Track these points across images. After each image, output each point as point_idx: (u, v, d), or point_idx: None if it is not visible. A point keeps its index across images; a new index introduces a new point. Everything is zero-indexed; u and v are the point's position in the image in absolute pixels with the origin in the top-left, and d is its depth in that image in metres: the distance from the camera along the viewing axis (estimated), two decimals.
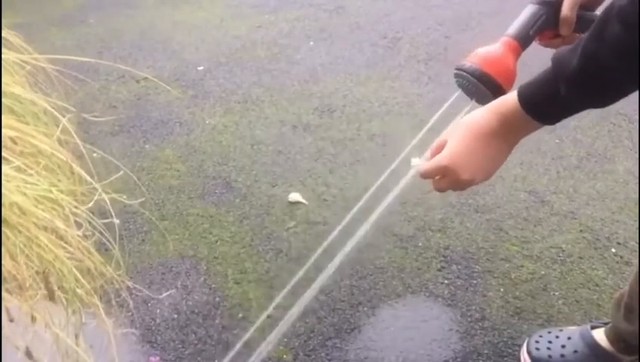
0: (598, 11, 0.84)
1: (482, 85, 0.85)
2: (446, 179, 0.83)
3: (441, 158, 0.81)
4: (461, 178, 0.80)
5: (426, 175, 0.86)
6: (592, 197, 1.73)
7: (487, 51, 0.87)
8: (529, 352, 1.24)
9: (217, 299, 1.47)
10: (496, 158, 0.82)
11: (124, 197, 0.95)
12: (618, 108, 2.13)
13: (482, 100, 0.89)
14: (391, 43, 2.77)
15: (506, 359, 1.28)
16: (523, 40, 0.87)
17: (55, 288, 0.72)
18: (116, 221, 0.82)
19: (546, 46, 0.92)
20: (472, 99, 0.91)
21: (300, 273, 1.52)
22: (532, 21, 0.86)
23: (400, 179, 0.97)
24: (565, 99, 0.71)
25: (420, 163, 0.90)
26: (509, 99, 0.77)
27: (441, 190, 0.86)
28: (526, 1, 0.89)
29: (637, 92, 0.69)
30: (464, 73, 0.87)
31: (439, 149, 0.83)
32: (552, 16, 0.86)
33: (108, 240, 0.90)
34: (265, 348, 1.34)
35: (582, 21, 0.85)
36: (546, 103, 0.73)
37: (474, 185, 0.83)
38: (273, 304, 1.45)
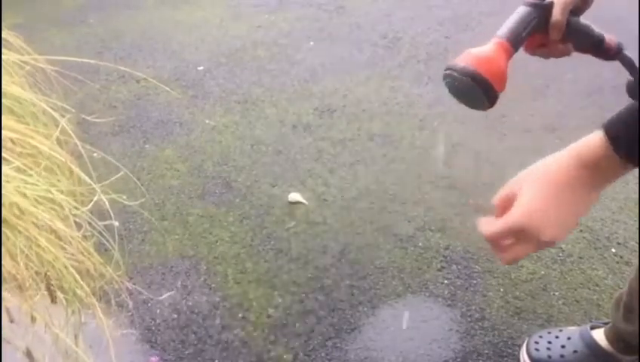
0: (583, 17, 0.85)
1: (474, 84, 0.82)
2: (522, 243, 0.68)
3: (516, 217, 0.66)
4: (541, 240, 0.66)
5: (494, 238, 0.69)
6: None
7: (479, 51, 0.84)
8: (529, 352, 1.24)
9: (217, 299, 1.47)
10: (581, 211, 0.68)
11: (124, 197, 0.95)
12: (618, 108, 2.13)
13: (471, 102, 0.86)
14: (391, 43, 2.77)
15: (506, 359, 1.28)
16: (515, 41, 0.85)
17: (56, 290, 0.72)
18: (116, 223, 0.82)
19: (532, 54, 0.90)
20: (460, 100, 0.87)
21: (301, 273, 1.52)
22: (524, 23, 0.84)
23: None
24: None
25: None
26: (592, 143, 0.66)
27: (516, 259, 0.70)
28: (522, 2, 0.88)
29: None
30: (455, 73, 0.83)
31: (506, 204, 0.69)
32: (543, 19, 0.85)
33: (108, 241, 0.90)
34: (265, 347, 1.34)
35: (570, 26, 0.85)
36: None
37: (552, 246, 0.70)
38: (273, 304, 1.45)
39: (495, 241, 0.70)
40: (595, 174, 0.66)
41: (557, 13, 0.83)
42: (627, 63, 0.90)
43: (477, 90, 0.82)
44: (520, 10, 0.85)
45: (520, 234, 0.67)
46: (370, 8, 3.19)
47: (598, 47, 0.87)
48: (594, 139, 0.66)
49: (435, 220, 1.68)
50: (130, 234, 1.68)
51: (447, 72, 0.85)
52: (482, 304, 1.41)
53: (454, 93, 0.87)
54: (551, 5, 0.84)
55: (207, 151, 2.06)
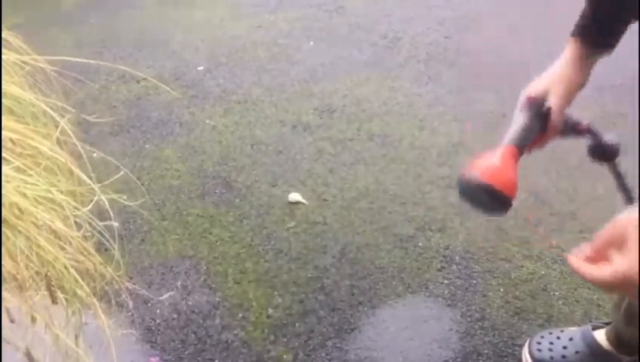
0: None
1: (490, 197, 0.85)
2: (629, 290, 0.62)
3: (630, 265, 0.60)
4: None
5: (607, 285, 0.63)
6: (592, 197, 1.73)
7: (491, 162, 0.89)
8: (531, 353, 1.24)
9: (217, 299, 1.47)
10: None
11: (124, 197, 0.95)
12: (618, 108, 2.13)
13: (484, 209, 0.90)
14: (391, 43, 2.77)
15: (506, 359, 1.28)
16: (522, 147, 0.93)
17: (56, 290, 0.72)
18: (115, 224, 0.82)
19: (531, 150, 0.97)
20: (472, 206, 0.91)
21: (301, 273, 1.52)
22: (530, 131, 0.93)
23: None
24: None
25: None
26: None
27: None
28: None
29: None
30: (465, 184, 0.87)
31: (609, 245, 0.63)
32: (543, 124, 0.93)
33: (108, 241, 0.90)
34: (265, 348, 1.34)
35: (564, 126, 0.96)
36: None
37: None
38: (273, 304, 1.45)
39: (607, 288, 0.64)
40: None
41: (556, 118, 0.92)
42: (592, 135, 1.02)
43: (492, 201, 0.86)
44: (524, 119, 0.93)
45: (628, 286, 0.61)
46: (370, 8, 3.19)
47: (577, 133, 1.00)
48: None
49: (435, 220, 1.68)
50: (130, 234, 1.68)
51: (459, 182, 0.88)
52: (482, 304, 1.41)
53: (468, 200, 0.90)
54: (549, 111, 0.92)
55: (207, 151, 2.06)
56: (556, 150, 1.96)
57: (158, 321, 1.42)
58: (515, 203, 0.86)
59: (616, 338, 1.14)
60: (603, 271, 0.62)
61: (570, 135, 0.99)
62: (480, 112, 2.15)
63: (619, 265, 0.61)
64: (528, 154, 0.95)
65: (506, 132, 0.95)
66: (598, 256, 0.64)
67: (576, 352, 1.19)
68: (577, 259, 0.66)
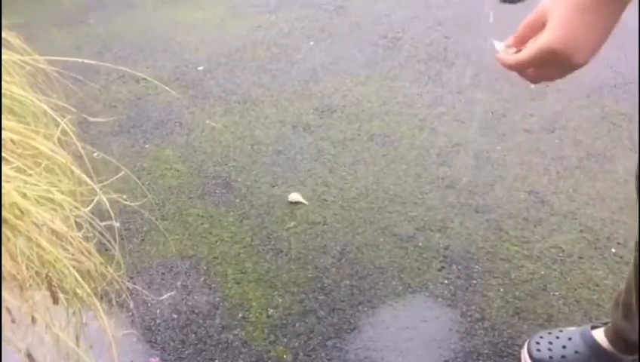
0: None
1: None
2: (551, 66, 0.68)
3: (548, 41, 0.66)
4: (574, 61, 0.66)
5: (521, 66, 0.70)
6: (592, 197, 1.73)
7: None
8: (530, 353, 1.24)
9: (217, 299, 1.47)
10: (610, 28, 0.67)
11: (124, 197, 0.95)
12: (618, 108, 2.13)
13: None
14: (391, 43, 2.77)
15: (506, 359, 1.28)
16: None
17: (57, 291, 0.72)
18: (116, 224, 0.82)
19: None
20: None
21: (301, 273, 1.52)
22: None
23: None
24: None
25: (504, 46, 0.74)
26: None
27: (543, 80, 0.72)
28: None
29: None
30: None
31: (533, 31, 0.69)
32: None
33: (108, 241, 0.90)
34: (265, 348, 1.34)
35: None
36: None
37: (582, 66, 0.69)
38: (273, 304, 1.45)
39: (524, 67, 0.70)
40: None
41: None
42: None
43: None
44: None
45: (552, 57, 0.66)
46: (370, 8, 3.19)
47: None
48: None
49: (435, 220, 1.68)
50: (131, 234, 1.68)
51: None
52: (482, 304, 1.41)
53: None
54: None
55: (207, 151, 2.06)
56: (556, 150, 1.97)
57: (158, 321, 1.42)
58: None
59: (616, 337, 1.14)
60: (524, 51, 0.69)
61: None
62: (480, 112, 2.15)
63: (541, 40, 0.67)
64: None
65: None
66: (523, 44, 0.70)
67: (576, 352, 1.19)
68: (503, 53, 0.72)
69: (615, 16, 0.66)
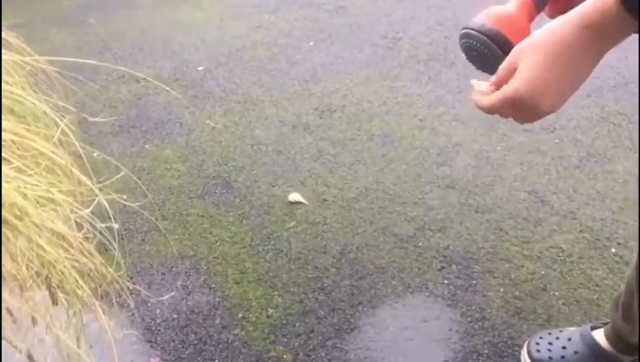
0: None
1: (495, 46, 0.74)
2: (520, 112, 0.69)
3: (515, 87, 0.66)
4: (541, 109, 0.67)
5: (493, 110, 0.71)
6: (592, 197, 1.73)
7: (503, 11, 0.76)
8: (530, 354, 1.24)
9: (217, 299, 1.47)
10: (582, 77, 0.67)
11: (124, 197, 0.95)
12: (618, 108, 2.13)
13: (489, 67, 0.78)
14: (391, 43, 2.77)
15: (506, 359, 1.28)
16: (538, 2, 0.78)
17: (57, 291, 0.72)
18: (115, 225, 0.82)
19: (552, 17, 0.85)
20: (476, 65, 0.80)
21: (301, 273, 1.52)
22: None
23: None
24: None
25: (482, 85, 0.74)
26: (597, 3, 0.63)
27: (517, 121, 0.72)
28: None
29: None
30: (475, 32, 0.75)
31: (508, 75, 0.68)
32: None
33: (108, 241, 0.90)
34: (265, 347, 1.34)
35: None
36: None
37: (551, 114, 0.69)
38: (273, 304, 1.45)
39: (494, 112, 0.70)
40: (598, 38, 0.64)
41: None
42: None
43: (498, 52, 0.74)
44: None
45: (520, 103, 0.66)
46: (370, 8, 3.19)
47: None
48: (598, 1, 0.63)
49: (435, 220, 1.68)
50: (131, 234, 1.68)
51: (464, 31, 0.77)
52: (482, 304, 1.41)
53: (471, 57, 0.79)
54: None
55: (207, 151, 2.06)
56: (556, 150, 1.97)
57: (158, 321, 1.42)
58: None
59: (615, 338, 1.14)
60: (493, 95, 0.69)
61: None
62: (480, 112, 2.14)
63: (508, 85, 0.67)
64: (553, 17, 0.80)
65: None
66: (500, 87, 0.69)
67: (575, 352, 1.19)
68: (476, 93, 0.73)
69: (586, 69, 0.66)
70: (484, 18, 0.76)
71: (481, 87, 0.74)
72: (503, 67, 0.70)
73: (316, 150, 2.02)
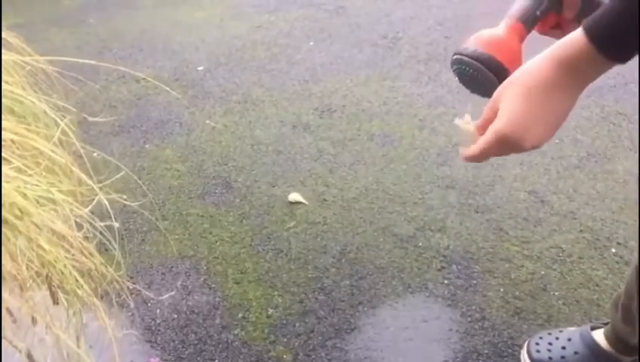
0: None
1: (487, 70, 0.75)
2: (508, 149, 0.72)
3: (499, 127, 0.69)
4: (526, 145, 0.69)
5: (485, 154, 0.73)
6: (592, 197, 1.73)
7: (493, 34, 0.78)
8: (529, 354, 1.24)
9: (217, 299, 1.47)
10: (562, 113, 0.69)
11: (124, 197, 0.95)
12: (618, 108, 2.13)
13: (482, 90, 0.80)
14: (391, 43, 2.77)
15: (506, 359, 1.28)
16: (528, 22, 0.79)
17: (57, 291, 0.72)
18: (116, 224, 0.82)
19: (544, 34, 0.85)
20: (471, 90, 0.81)
21: (301, 273, 1.52)
22: (537, 2, 0.78)
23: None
24: None
25: (467, 125, 0.76)
26: (569, 41, 0.65)
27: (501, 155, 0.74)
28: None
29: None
30: (467, 58, 0.76)
31: (492, 115, 0.71)
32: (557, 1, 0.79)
33: (108, 241, 0.90)
34: (265, 347, 1.34)
35: (584, 4, 0.78)
36: (621, 34, 0.62)
37: (538, 148, 0.72)
38: (273, 304, 1.45)
39: (484, 155, 0.73)
40: (574, 74, 0.66)
41: None
42: None
43: (491, 76, 0.76)
44: None
45: (505, 142, 0.69)
46: (370, 8, 3.19)
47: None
48: (572, 39, 0.65)
49: (435, 220, 1.68)
50: (131, 234, 1.68)
51: (456, 57, 0.78)
52: (482, 304, 1.41)
53: (465, 81, 0.81)
54: None
55: (207, 151, 2.06)
56: (556, 150, 1.97)
57: (158, 321, 1.42)
58: None
59: (615, 338, 1.14)
60: (480, 143, 0.72)
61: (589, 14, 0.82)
62: (480, 113, 2.14)
63: (492, 127, 0.70)
64: (544, 34, 0.83)
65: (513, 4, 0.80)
66: (485, 128, 0.72)
67: (575, 353, 1.19)
68: (462, 144, 0.75)
69: (567, 102, 0.68)
70: (474, 43, 0.77)
71: (467, 127, 0.76)
72: (487, 107, 0.73)
73: (316, 150, 2.02)
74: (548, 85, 0.67)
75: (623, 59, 0.64)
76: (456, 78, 0.81)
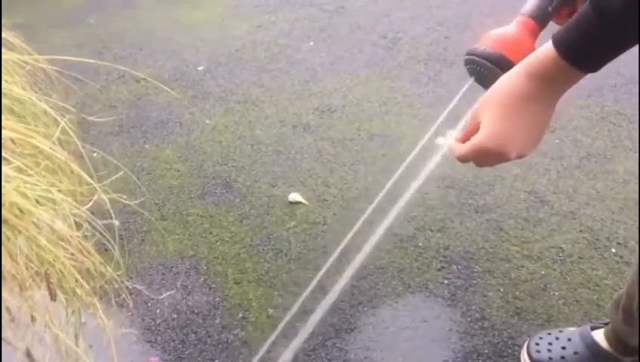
0: None
1: (500, 71, 0.76)
2: (490, 160, 0.76)
3: (481, 141, 0.73)
4: (509, 157, 0.73)
5: (466, 158, 0.79)
6: (592, 197, 1.73)
7: (503, 33, 0.78)
8: (529, 354, 1.24)
9: (217, 299, 1.47)
10: (541, 123, 0.72)
11: (124, 197, 0.95)
12: (618, 108, 2.13)
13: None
14: (391, 43, 2.77)
15: (506, 359, 1.28)
16: (541, 19, 0.79)
17: (56, 289, 0.72)
18: (116, 223, 0.82)
19: (561, 25, 0.87)
20: (485, 88, 0.80)
21: (301, 273, 1.52)
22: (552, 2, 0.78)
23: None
24: (611, 38, 0.62)
25: (446, 142, 0.82)
26: (540, 54, 0.67)
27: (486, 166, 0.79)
28: (523, 2, 0.85)
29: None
30: (478, 58, 0.78)
31: (474, 129, 0.75)
32: None
33: (108, 241, 0.90)
34: (265, 348, 1.34)
35: None
36: (589, 45, 0.63)
37: (523, 157, 0.75)
38: (273, 304, 1.45)
39: (466, 162, 0.80)
40: (548, 86, 0.69)
41: None
42: None
43: (501, 75, 0.75)
44: None
45: (487, 154, 0.74)
46: (370, 8, 3.19)
47: None
48: (543, 52, 0.67)
49: (435, 220, 1.68)
50: (130, 234, 1.68)
51: (468, 57, 0.79)
52: (482, 304, 1.41)
53: (479, 80, 0.82)
54: None
55: (207, 151, 2.06)
56: (556, 150, 1.97)
57: (157, 321, 1.42)
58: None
59: (615, 339, 1.14)
60: (463, 147, 0.78)
61: None
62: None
63: (474, 138, 0.74)
64: (560, 24, 0.80)
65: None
66: (468, 139, 0.77)
67: (575, 353, 1.19)
68: (453, 145, 0.83)
69: (544, 113, 0.71)
70: (486, 42, 0.78)
71: (450, 143, 0.83)
72: (469, 123, 0.78)
73: (316, 150, 2.02)
74: (522, 98, 0.70)
75: (594, 68, 0.67)
76: (470, 76, 0.84)
